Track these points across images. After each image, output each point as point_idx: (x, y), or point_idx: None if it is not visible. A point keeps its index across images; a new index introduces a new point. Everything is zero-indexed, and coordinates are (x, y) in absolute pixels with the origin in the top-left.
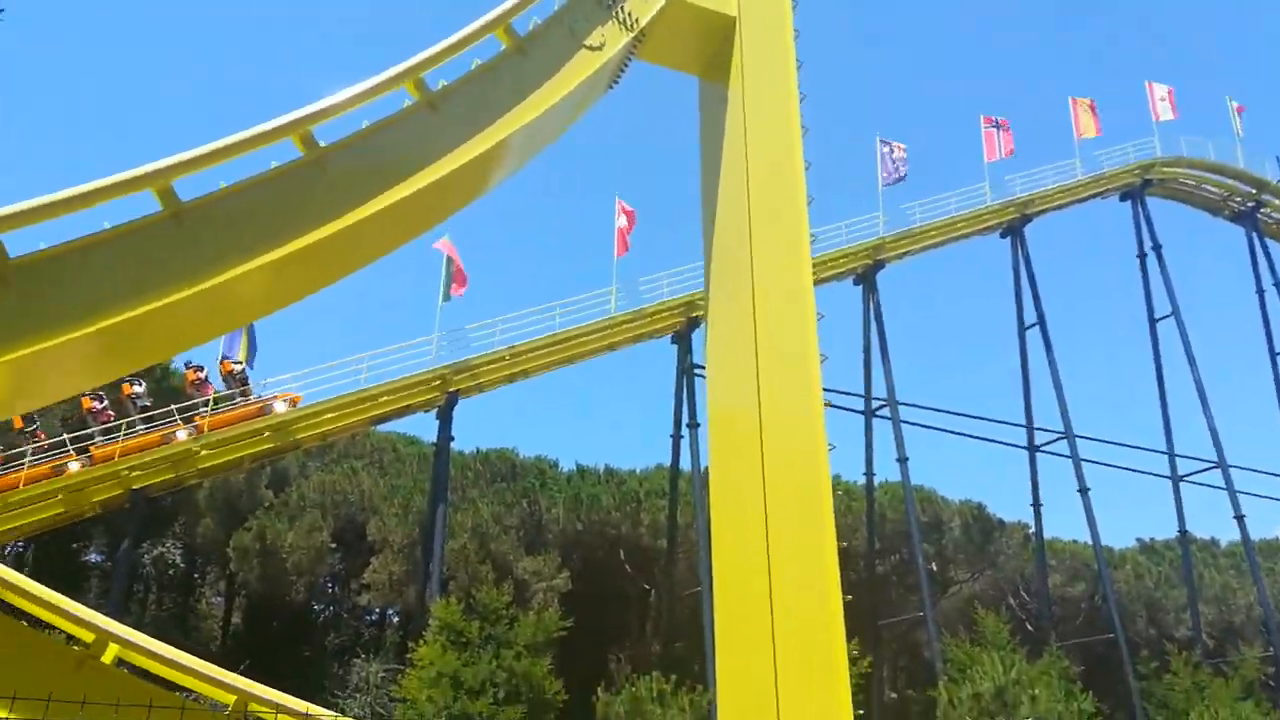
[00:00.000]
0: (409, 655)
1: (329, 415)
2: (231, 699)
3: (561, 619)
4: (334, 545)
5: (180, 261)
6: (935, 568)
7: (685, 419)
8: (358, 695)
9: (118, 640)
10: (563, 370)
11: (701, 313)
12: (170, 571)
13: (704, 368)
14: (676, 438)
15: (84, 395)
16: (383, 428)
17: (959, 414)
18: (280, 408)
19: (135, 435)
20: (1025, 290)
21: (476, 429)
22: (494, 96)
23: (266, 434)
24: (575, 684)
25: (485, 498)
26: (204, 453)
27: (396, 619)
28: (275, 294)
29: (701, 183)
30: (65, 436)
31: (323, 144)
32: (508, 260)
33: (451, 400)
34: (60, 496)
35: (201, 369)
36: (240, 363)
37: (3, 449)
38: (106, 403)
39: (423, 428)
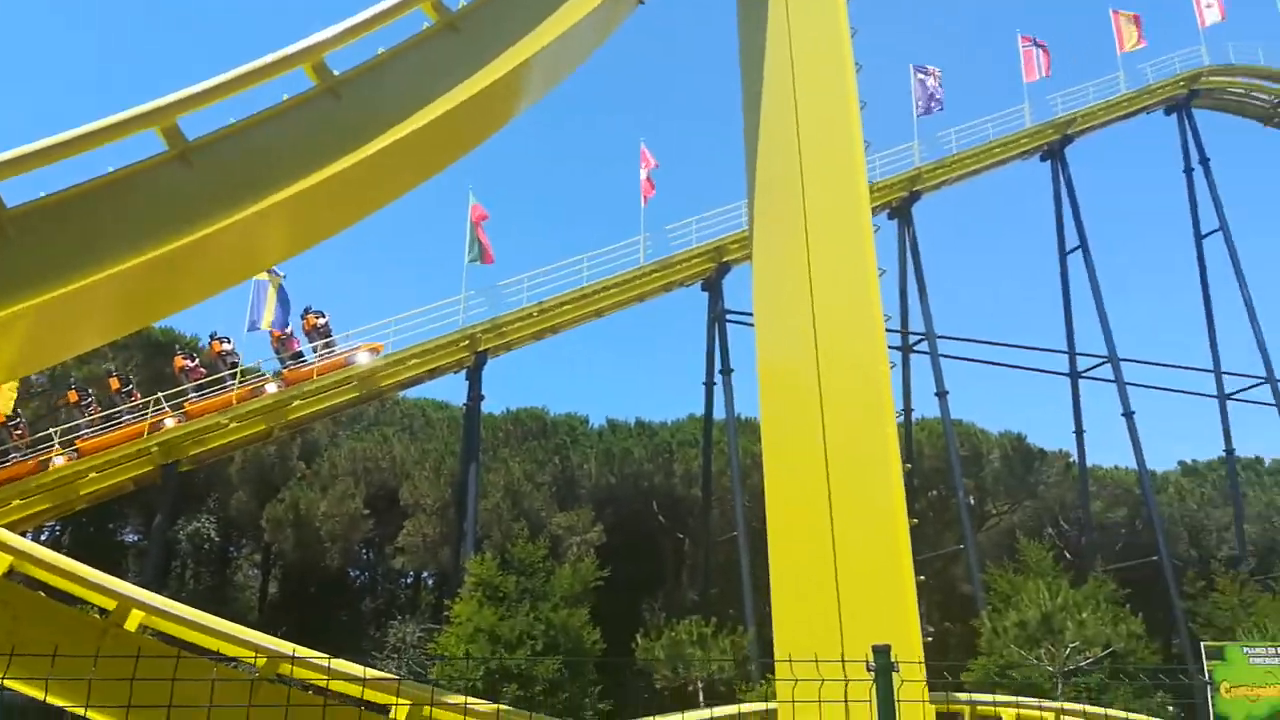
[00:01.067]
0: (446, 614)
1: (358, 380)
2: (262, 661)
3: (597, 570)
4: (367, 512)
5: (191, 203)
6: (973, 501)
7: (719, 366)
8: (395, 656)
9: (141, 606)
10: (591, 324)
11: (732, 258)
12: (205, 546)
13: (736, 313)
14: (710, 385)
15: (177, 354)
16: (412, 392)
17: (998, 344)
18: (363, 358)
19: (225, 391)
20: (1067, 214)
21: (506, 389)
22: (517, 15)
23: (296, 402)
24: (612, 633)
25: (517, 457)
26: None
27: (431, 581)
28: (295, 235)
29: (744, 111)
30: (160, 395)
31: (337, 73)
32: (529, 214)
33: (480, 360)
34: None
35: (287, 327)
36: (323, 315)
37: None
38: (199, 361)
39: (452, 392)
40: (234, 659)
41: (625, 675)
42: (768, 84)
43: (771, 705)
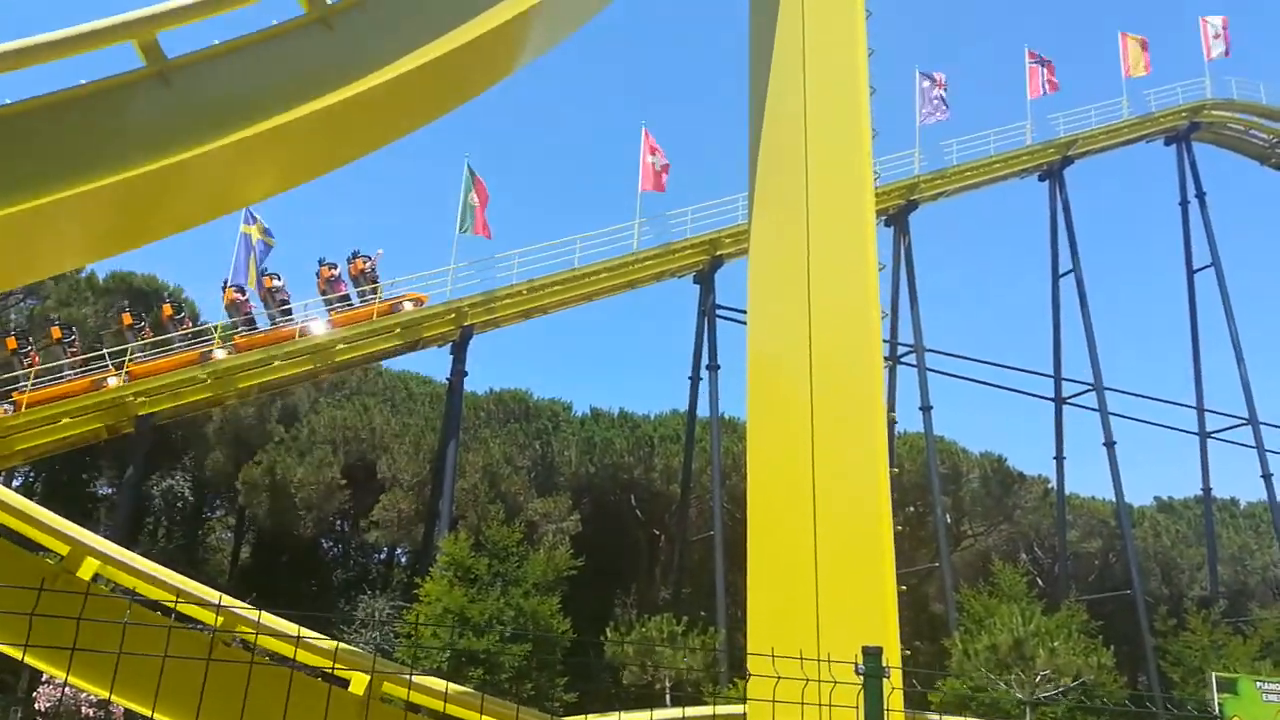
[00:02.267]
0: (416, 592)
1: (340, 346)
2: (219, 620)
3: (572, 559)
4: (343, 482)
5: (168, 126)
6: (950, 520)
7: (705, 361)
8: (363, 630)
9: (96, 554)
10: (580, 308)
11: (725, 251)
12: (179, 504)
13: (727, 308)
14: (695, 380)
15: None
16: (395, 364)
17: (985, 363)
18: (408, 307)
19: (274, 329)
20: (1061, 236)
21: (490, 367)
22: None
23: (275, 363)
24: (582, 625)
25: (497, 438)
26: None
27: (405, 558)
28: (279, 171)
29: (749, 103)
30: (210, 325)
31: (330, 1)
32: (524, 189)
33: (466, 334)
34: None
35: (335, 266)
36: (370, 259)
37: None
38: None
39: (435, 367)
40: (197, 621)
41: (592, 668)
42: (775, 69)
43: (737, 709)
